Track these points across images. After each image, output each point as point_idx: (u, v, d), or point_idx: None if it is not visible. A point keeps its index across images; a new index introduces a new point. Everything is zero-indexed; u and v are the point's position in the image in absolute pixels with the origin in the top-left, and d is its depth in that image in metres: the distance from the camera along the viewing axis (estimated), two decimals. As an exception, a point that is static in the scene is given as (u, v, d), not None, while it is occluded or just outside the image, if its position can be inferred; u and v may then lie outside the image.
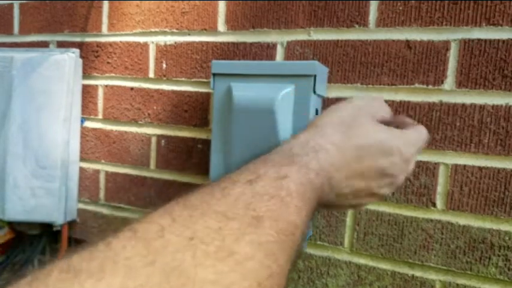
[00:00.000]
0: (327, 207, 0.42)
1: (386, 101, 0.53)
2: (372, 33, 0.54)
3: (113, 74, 0.73)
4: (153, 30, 0.69)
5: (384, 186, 0.39)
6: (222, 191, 0.29)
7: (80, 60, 0.75)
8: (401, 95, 0.53)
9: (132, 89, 0.71)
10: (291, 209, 0.29)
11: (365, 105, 0.40)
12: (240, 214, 0.26)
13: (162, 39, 0.68)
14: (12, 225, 0.79)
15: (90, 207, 0.76)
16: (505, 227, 0.49)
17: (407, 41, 0.52)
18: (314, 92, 0.49)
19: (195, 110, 0.66)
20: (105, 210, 0.75)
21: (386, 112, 0.42)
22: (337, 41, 0.56)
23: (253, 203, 0.28)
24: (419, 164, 0.52)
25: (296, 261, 0.30)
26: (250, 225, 0.26)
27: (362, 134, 0.38)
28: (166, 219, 0.25)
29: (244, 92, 0.51)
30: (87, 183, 0.76)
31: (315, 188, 0.33)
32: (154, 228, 0.24)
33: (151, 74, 0.69)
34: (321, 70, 0.51)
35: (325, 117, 0.39)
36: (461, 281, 0.51)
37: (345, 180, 0.37)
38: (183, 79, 0.67)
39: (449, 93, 0.51)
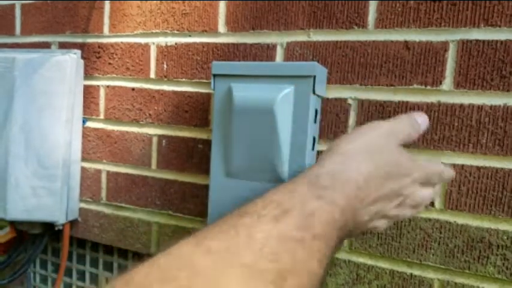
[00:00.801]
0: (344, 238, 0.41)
1: (385, 102, 0.54)
2: (371, 34, 0.54)
3: (114, 75, 0.73)
4: (154, 31, 0.69)
5: (393, 208, 0.39)
6: (248, 231, 0.27)
7: (82, 61, 0.75)
8: (399, 96, 0.53)
9: (133, 89, 0.72)
10: (314, 256, 0.28)
11: (391, 130, 0.39)
12: (265, 269, 0.25)
13: (163, 40, 0.68)
14: (13, 224, 0.80)
15: (92, 207, 0.77)
16: (503, 226, 0.49)
17: (406, 42, 0.53)
18: (314, 92, 0.49)
19: (196, 111, 0.66)
20: (106, 210, 0.75)
21: (411, 134, 0.41)
22: (337, 42, 0.56)
23: (278, 253, 0.26)
24: (418, 164, 0.53)
25: None
26: (272, 283, 0.24)
27: (389, 163, 0.37)
28: (187, 272, 0.22)
29: (244, 92, 0.51)
30: (88, 182, 0.77)
31: (337, 227, 0.32)
32: (174, 286, 0.21)
33: (152, 75, 0.70)
34: (320, 71, 0.52)
35: (351, 143, 0.38)
36: (459, 280, 0.51)
37: (366, 209, 0.36)
38: (184, 80, 0.67)
39: (448, 93, 0.51)
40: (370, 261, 0.56)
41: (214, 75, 0.54)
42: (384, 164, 0.37)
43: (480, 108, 0.50)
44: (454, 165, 0.51)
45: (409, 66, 0.53)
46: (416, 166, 0.39)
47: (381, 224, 0.40)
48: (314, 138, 0.52)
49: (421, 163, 0.40)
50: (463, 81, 0.50)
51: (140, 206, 0.72)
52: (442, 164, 0.43)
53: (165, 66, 0.68)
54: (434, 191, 0.42)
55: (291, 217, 0.28)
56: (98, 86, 0.75)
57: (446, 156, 0.51)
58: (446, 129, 0.51)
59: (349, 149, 0.37)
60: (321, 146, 0.57)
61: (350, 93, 0.56)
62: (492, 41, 0.49)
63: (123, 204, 0.74)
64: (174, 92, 0.68)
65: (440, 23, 0.51)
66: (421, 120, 0.42)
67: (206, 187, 0.65)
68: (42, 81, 0.70)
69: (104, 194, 0.76)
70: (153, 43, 0.69)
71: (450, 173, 0.43)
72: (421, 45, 0.52)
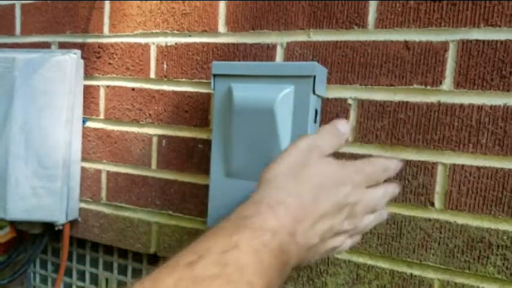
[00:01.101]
0: (301, 267, 0.39)
1: (385, 102, 0.54)
2: (371, 34, 0.54)
3: (114, 75, 0.73)
4: (154, 31, 0.69)
5: (344, 220, 0.37)
6: (154, 284, 0.25)
7: (82, 61, 0.75)
8: (399, 96, 0.53)
9: (133, 89, 0.72)
10: (243, 285, 0.26)
11: (311, 144, 0.39)
12: None
13: (163, 40, 0.68)
14: (13, 224, 0.80)
15: (92, 207, 0.77)
16: (503, 226, 0.49)
17: (406, 42, 0.53)
18: (314, 92, 0.49)
19: (196, 111, 0.66)
20: (106, 210, 0.75)
21: (335, 143, 0.40)
22: (337, 42, 0.56)
23: None
24: (418, 164, 0.53)
25: None
26: None
27: (313, 173, 0.36)
28: None
29: (244, 92, 0.51)
30: (88, 182, 0.77)
31: (273, 251, 0.30)
32: None
33: (152, 75, 0.70)
34: (320, 71, 0.52)
35: (274, 169, 0.37)
36: (459, 280, 0.51)
37: (311, 229, 0.34)
38: (184, 80, 0.67)
39: (448, 93, 0.51)
40: (370, 261, 0.56)
41: (214, 75, 0.54)
42: (311, 178, 0.36)
43: (480, 108, 0.50)
44: (454, 165, 0.51)
45: (409, 66, 0.53)
46: (351, 171, 0.38)
47: (339, 241, 0.38)
48: (314, 138, 0.52)
49: (357, 165, 0.39)
50: (463, 81, 0.50)
51: (140, 206, 0.72)
52: (383, 158, 0.42)
53: (165, 66, 0.68)
54: (388, 188, 0.40)
55: (207, 258, 0.27)
56: (98, 86, 0.75)
57: (446, 156, 0.51)
58: (446, 129, 0.51)
59: (273, 174, 0.37)
60: (321, 146, 0.57)
61: (350, 93, 0.56)
62: (492, 41, 0.49)
63: (123, 204, 0.74)
64: (174, 92, 0.68)
65: (440, 23, 0.51)
66: (343, 128, 0.42)
67: (206, 187, 0.65)
68: (42, 81, 0.70)
69: (104, 194, 0.76)
70: (153, 43, 0.69)
71: (395, 164, 0.41)
72: (421, 45, 0.52)
